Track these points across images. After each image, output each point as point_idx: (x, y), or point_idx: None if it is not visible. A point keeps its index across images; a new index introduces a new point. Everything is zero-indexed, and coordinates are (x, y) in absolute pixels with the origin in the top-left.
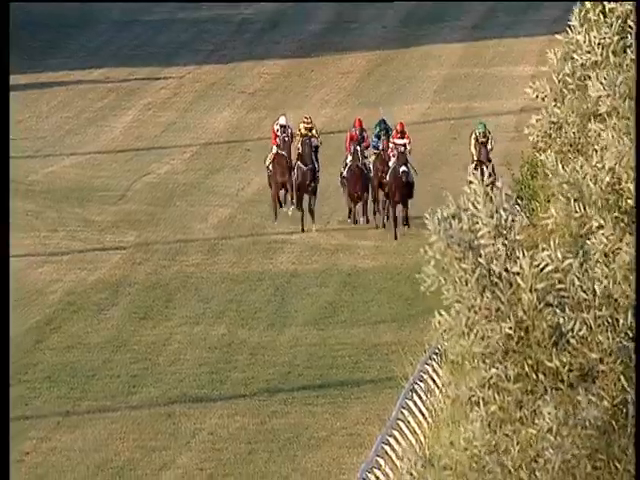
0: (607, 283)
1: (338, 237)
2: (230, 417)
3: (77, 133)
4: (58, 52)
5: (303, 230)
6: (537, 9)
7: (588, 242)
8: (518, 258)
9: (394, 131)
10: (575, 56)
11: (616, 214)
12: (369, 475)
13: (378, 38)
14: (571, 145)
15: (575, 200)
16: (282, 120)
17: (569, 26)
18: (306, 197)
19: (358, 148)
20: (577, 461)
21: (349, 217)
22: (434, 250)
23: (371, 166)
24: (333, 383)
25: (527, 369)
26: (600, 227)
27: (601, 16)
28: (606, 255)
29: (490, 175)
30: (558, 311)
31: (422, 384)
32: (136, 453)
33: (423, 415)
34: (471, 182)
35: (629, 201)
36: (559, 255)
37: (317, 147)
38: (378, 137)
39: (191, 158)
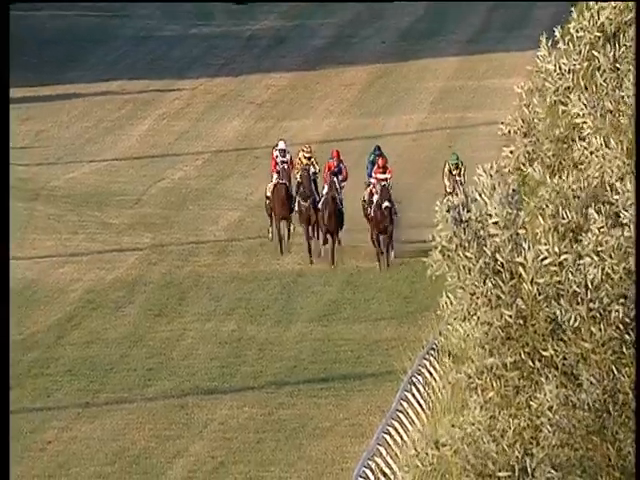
0: (598, 277)
1: (343, 238)
2: (239, 408)
3: (96, 141)
4: (78, 65)
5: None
6: (527, 26)
7: (582, 237)
8: (523, 249)
9: (376, 166)
10: (547, 84)
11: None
12: (370, 463)
13: (378, 52)
14: (548, 167)
15: (563, 207)
16: (281, 145)
17: (538, 57)
18: (310, 229)
19: (335, 179)
20: (573, 440)
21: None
22: (441, 237)
23: (366, 195)
24: (336, 376)
25: (524, 356)
26: (593, 220)
27: (570, 44)
28: (598, 254)
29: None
30: (555, 303)
31: (420, 377)
32: (151, 442)
33: (421, 406)
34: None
35: (615, 196)
36: (557, 250)
37: (315, 173)
38: (372, 164)
39: (203, 165)
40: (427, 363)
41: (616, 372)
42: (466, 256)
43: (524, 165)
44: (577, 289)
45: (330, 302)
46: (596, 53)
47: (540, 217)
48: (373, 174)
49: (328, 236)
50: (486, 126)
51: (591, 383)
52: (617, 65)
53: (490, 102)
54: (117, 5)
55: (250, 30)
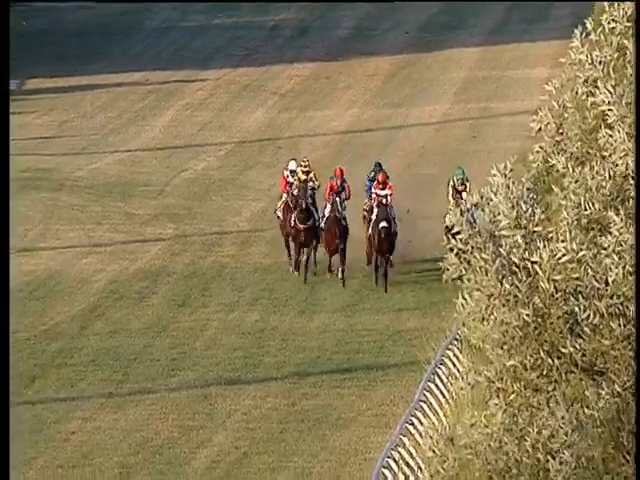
0: (618, 273)
1: (362, 229)
2: (263, 398)
3: (119, 132)
4: (101, 57)
5: (305, 281)
6: (547, 19)
7: (602, 238)
8: (538, 248)
9: (375, 182)
10: (578, 74)
11: (625, 209)
12: (394, 453)
13: (401, 43)
14: (576, 159)
15: (585, 200)
16: (292, 165)
17: (571, 48)
18: (306, 251)
19: (337, 199)
20: (590, 452)
21: (329, 270)
22: (456, 240)
23: (365, 211)
24: (360, 367)
25: (543, 355)
26: (613, 222)
27: (602, 36)
28: (618, 253)
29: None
30: (573, 299)
31: (443, 368)
32: (175, 432)
33: (444, 397)
34: (448, 232)
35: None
36: (574, 247)
37: (314, 188)
38: (372, 181)
39: (226, 155)
40: (450, 354)
41: (635, 368)
42: (482, 258)
43: (551, 157)
44: (597, 284)
45: (353, 293)
46: (626, 42)
47: (563, 210)
48: (373, 189)
49: (333, 258)
50: (509, 116)
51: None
52: None
53: (513, 92)
54: None
55: (273, 21)
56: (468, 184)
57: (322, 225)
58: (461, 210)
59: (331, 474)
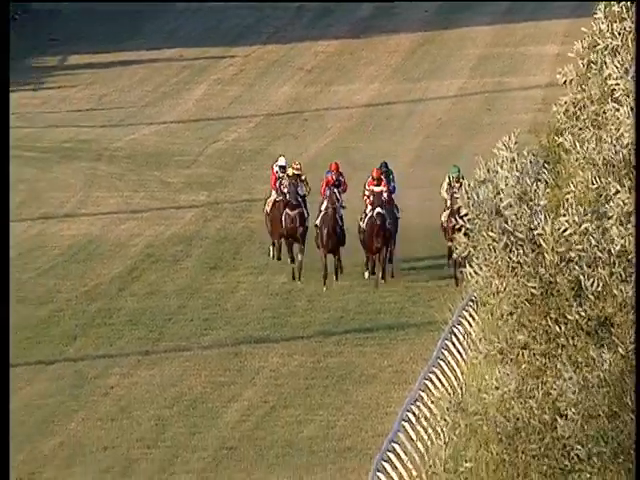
0: (623, 242)
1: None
2: (290, 356)
3: (155, 105)
4: (138, 35)
5: (293, 278)
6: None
7: (606, 206)
8: (541, 221)
9: (370, 178)
10: (599, 41)
11: (629, 181)
12: (413, 408)
13: (420, 21)
14: (592, 122)
15: (592, 173)
16: (281, 161)
17: (595, 18)
18: (296, 245)
19: (334, 193)
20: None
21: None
22: (464, 220)
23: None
24: (381, 326)
25: (550, 322)
26: (617, 192)
27: (624, 9)
28: (622, 223)
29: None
30: (577, 268)
31: (460, 327)
32: (207, 387)
33: (460, 355)
34: (451, 230)
35: None
36: (576, 219)
37: (304, 196)
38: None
39: (255, 127)
40: (466, 314)
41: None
42: (489, 236)
43: (573, 114)
44: (600, 254)
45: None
46: None
47: (570, 184)
48: (367, 186)
49: (329, 255)
50: (522, 90)
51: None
52: None
53: (526, 68)
54: None
55: (299, 1)
56: (464, 182)
57: (317, 222)
58: (466, 190)
59: (354, 427)
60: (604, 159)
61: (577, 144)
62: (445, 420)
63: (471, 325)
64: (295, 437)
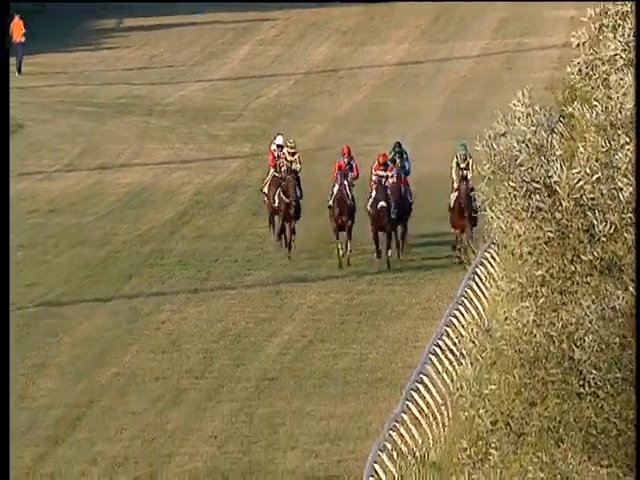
0: (631, 190)
1: (412, 148)
2: (326, 294)
3: (203, 64)
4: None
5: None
6: None
7: (615, 157)
8: (557, 170)
9: (376, 162)
10: (610, 7)
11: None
12: (439, 342)
13: None
14: (603, 82)
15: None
16: (279, 140)
17: None
18: (287, 227)
19: (345, 179)
20: (611, 339)
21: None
22: (486, 171)
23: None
24: (409, 267)
25: (566, 262)
26: (625, 144)
27: None
28: (629, 173)
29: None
30: (590, 214)
31: (482, 268)
32: (250, 323)
33: (483, 293)
34: (458, 212)
35: None
36: (588, 170)
37: (296, 171)
38: (393, 162)
39: (295, 84)
40: (488, 255)
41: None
42: (510, 185)
43: (583, 78)
44: (610, 201)
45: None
46: None
47: (583, 138)
48: (373, 170)
49: (341, 234)
50: (540, 50)
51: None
52: None
53: (543, 29)
54: None
55: None
56: (471, 160)
57: (330, 203)
58: (487, 141)
59: (385, 359)
60: (611, 121)
61: (585, 110)
62: (473, 343)
63: (493, 266)
64: (331, 369)
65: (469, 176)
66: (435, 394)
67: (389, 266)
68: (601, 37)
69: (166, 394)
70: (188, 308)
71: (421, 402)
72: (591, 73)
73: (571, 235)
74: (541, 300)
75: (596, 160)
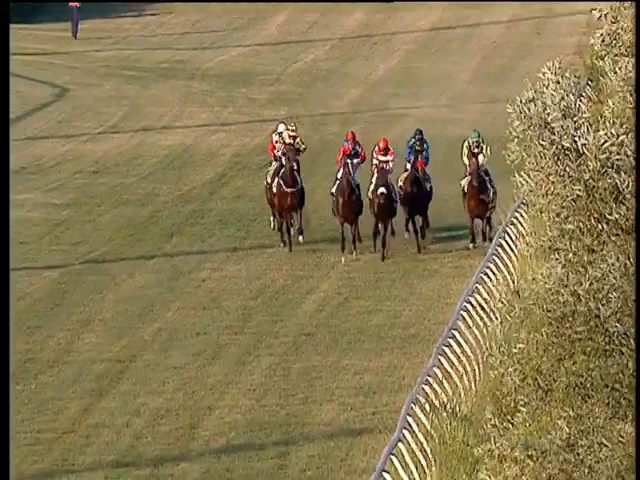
0: None
1: (444, 111)
2: (361, 253)
3: (242, 30)
4: None
5: (291, 250)
6: None
7: None
8: (584, 133)
9: (377, 147)
10: None
11: None
12: (471, 298)
13: None
14: (627, 49)
15: (628, 94)
16: (281, 128)
17: None
18: (294, 216)
19: (349, 162)
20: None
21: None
22: (517, 131)
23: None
24: (442, 227)
25: (593, 221)
26: None
27: None
28: None
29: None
30: (615, 175)
31: (513, 227)
32: (288, 281)
33: (513, 251)
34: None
35: None
36: (613, 132)
37: (299, 150)
38: (411, 148)
39: (330, 49)
40: (518, 215)
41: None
42: (540, 144)
43: (609, 44)
44: (634, 162)
45: (437, 163)
46: None
47: (608, 100)
48: (375, 155)
49: (345, 224)
50: (568, 16)
51: None
52: None
53: None
54: None
55: None
56: (484, 145)
57: (333, 190)
58: (518, 104)
59: (418, 316)
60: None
61: (614, 68)
62: (502, 303)
63: (522, 225)
64: (365, 325)
65: (482, 160)
66: (466, 349)
67: (383, 259)
68: (622, 8)
69: (206, 349)
70: (227, 266)
71: (452, 357)
72: (614, 42)
73: (597, 195)
74: (569, 255)
75: (621, 124)
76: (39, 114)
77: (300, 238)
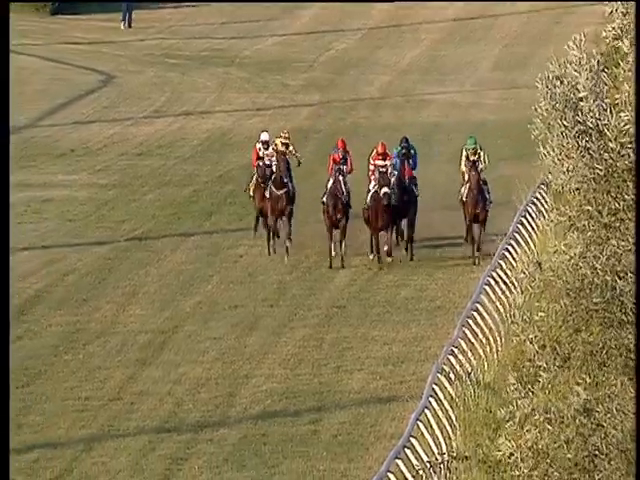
0: None
1: (468, 97)
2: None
3: (277, 19)
4: None
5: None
6: None
7: None
8: (607, 115)
9: (374, 152)
10: None
11: None
12: (493, 273)
13: None
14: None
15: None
16: (264, 136)
17: None
18: (281, 223)
19: (340, 173)
20: None
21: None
22: (541, 108)
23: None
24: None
25: (611, 199)
26: None
27: None
28: None
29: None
30: (634, 156)
31: (533, 207)
32: (320, 256)
33: (533, 229)
34: (470, 205)
35: None
36: (634, 114)
37: (297, 163)
38: (400, 156)
39: (361, 38)
40: (539, 195)
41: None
42: (563, 123)
43: (619, 39)
44: None
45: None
46: None
47: (625, 84)
48: (372, 160)
49: (334, 231)
50: (586, 6)
51: None
52: None
53: None
54: None
55: None
56: (481, 152)
57: (324, 199)
58: (545, 82)
59: (443, 289)
60: None
61: (631, 51)
62: (524, 274)
63: (542, 204)
64: (394, 298)
65: (480, 167)
66: (489, 321)
67: (380, 261)
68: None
69: (244, 321)
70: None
71: (476, 328)
72: (625, 34)
73: (616, 175)
74: (588, 233)
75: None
76: (87, 100)
77: (288, 243)
